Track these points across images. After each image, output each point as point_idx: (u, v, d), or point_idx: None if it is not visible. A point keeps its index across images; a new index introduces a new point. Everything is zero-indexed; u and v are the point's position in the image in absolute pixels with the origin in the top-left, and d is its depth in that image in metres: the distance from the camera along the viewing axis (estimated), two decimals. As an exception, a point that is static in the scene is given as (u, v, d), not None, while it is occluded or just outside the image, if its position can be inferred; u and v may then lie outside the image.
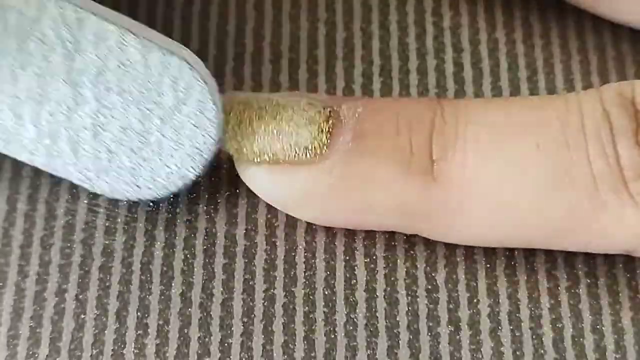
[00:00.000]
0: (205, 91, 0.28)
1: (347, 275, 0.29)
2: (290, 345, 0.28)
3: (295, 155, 0.28)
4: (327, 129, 0.28)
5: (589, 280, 0.29)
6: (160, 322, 0.28)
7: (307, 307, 0.29)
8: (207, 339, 0.28)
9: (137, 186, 0.28)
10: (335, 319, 0.29)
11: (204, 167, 0.28)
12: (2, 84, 0.28)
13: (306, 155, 0.28)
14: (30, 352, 0.28)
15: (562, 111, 0.27)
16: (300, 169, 0.28)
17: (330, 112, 0.28)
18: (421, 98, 0.30)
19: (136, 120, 0.28)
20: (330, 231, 0.30)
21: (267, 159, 0.28)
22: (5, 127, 0.28)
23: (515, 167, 0.27)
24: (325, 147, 0.28)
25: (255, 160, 0.28)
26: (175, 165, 0.28)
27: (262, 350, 0.28)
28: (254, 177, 0.29)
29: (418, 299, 0.29)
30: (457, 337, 0.28)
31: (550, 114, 0.27)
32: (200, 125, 0.28)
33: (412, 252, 0.29)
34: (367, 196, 0.28)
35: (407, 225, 0.29)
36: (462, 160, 0.27)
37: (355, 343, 0.28)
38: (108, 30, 0.28)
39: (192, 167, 0.28)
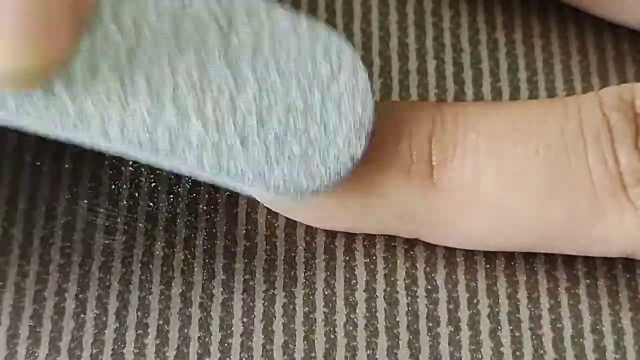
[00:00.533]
0: (356, 56, 0.27)
1: (347, 275, 0.29)
2: (290, 345, 0.28)
3: None
4: None
5: (588, 281, 0.29)
6: (161, 322, 0.28)
7: (307, 308, 0.29)
8: (207, 339, 0.28)
9: (310, 174, 0.27)
10: (335, 319, 0.29)
11: (368, 142, 0.27)
12: (162, 75, 0.26)
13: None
14: (30, 352, 0.28)
15: (561, 116, 0.27)
16: None
17: None
18: (421, 102, 0.30)
19: (298, 97, 0.27)
20: (330, 232, 0.30)
21: None
22: (169, 125, 0.26)
23: (515, 173, 0.27)
24: None
25: None
26: (342, 142, 0.27)
27: (262, 350, 0.28)
28: None
29: (418, 300, 0.29)
30: (457, 337, 0.28)
31: (550, 120, 0.27)
32: (356, 95, 0.27)
33: (412, 252, 0.29)
34: (367, 203, 0.28)
35: (407, 230, 0.29)
36: (461, 165, 0.27)
37: (355, 343, 0.28)
38: (257, 3, 0.27)
39: (358, 143, 0.27)
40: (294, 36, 0.27)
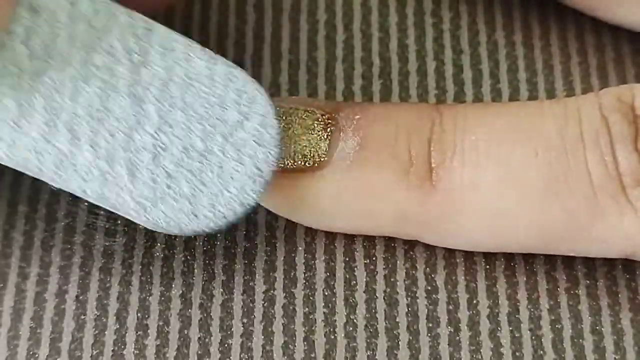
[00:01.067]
0: (269, 105, 0.27)
1: (347, 276, 0.29)
2: (290, 346, 0.28)
3: (293, 163, 0.28)
4: (325, 137, 0.28)
5: (588, 282, 0.29)
6: (161, 323, 0.29)
7: (307, 308, 0.29)
8: (207, 340, 0.28)
9: (195, 215, 0.27)
10: (335, 320, 0.29)
11: (263, 191, 0.27)
12: (63, 100, 0.26)
13: (305, 163, 0.28)
14: (31, 353, 0.28)
15: (560, 118, 0.27)
16: (299, 177, 0.28)
17: (328, 119, 0.28)
18: (420, 104, 0.30)
19: (198, 139, 0.27)
20: (330, 233, 0.30)
21: None
22: (59, 149, 0.26)
23: (514, 174, 0.27)
24: (324, 155, 0.28)
25: None
26: (235, 188, 0.27)
27: (262, 351, 0.28)
28: None
29: (418, 300, 0.29)
30: (457, 338, 0.28)
31: (549, 121, 0.27)
32: (262, 143, 0.27)
33: (411, 253, 0.29)
34: (366, 205, 0.28)
35: (407, 231, 0.29)
36: (460, 167, 0.27)
37: (355, 344, 0.28)
38: (175, 41, 0.27)
39: (252, 191, 0.27)
40: (208, 78, 0.27)
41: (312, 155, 0.28)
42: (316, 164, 0.28)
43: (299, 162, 0.28)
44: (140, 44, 0.27)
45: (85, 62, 0.26)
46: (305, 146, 0.28)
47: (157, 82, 0.27)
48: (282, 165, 0.28)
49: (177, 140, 0.27)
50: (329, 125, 0.28)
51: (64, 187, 0.26)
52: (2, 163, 0.26)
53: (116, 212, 0.27)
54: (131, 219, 0.27)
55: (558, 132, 0.27)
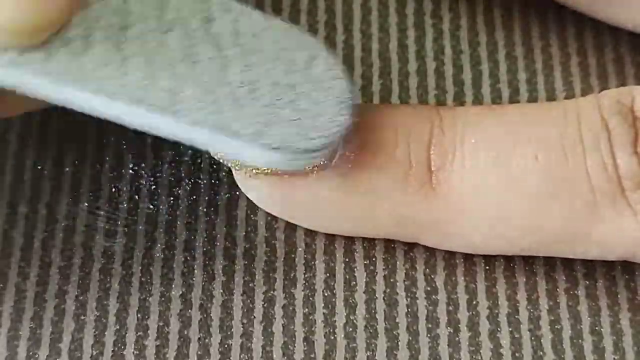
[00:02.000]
0: (332, 57, 0.28)
1: (347, 277, 0.29)
2: (290, 346, 0.28)
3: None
4: None
5: (587, 282, 0.29)
6: (161, 324, 0.29)
7: (306, 309, 0.29)
8: (207, 340, 0.28)
9: (304, 136, 0.27)
10: (335, 321, 0.29)
11: (350, 114, 0.28)
12: (155, 46, 0.27)
13: (304, 167, 0.28)
14: (31, 353, 0.28)
15: (560, 121, 0.27)
16: (299, 181, 0.28)
17: None
18: (420, 106, 0.30)
19: (281, 76, 0.27)
20: (330, 233, 0.30)
21: (266, 172, 0.28)
22: (166, 88, 0.27)
23: (514, 178, 0.27)
24: (323, 160, 0.28)
25: (254, 172, 0.28)
26: (330, 110, 0.27)
27: (262, 352, 0.28)
28: (253, 190, 0.29)
29: (417, 301, 0.29)
30: (457, 338, 0.28)
31: (549, 124, 0.27)
32: (335, 77, 0.28)
33: (411, 254, 0.30)
34: (366, 208, 0.28)
35: (407, 234, 0.29)
36: (460, 171, 0.27)
37: (354, 344, 0.28)
38: (232, 3, 0.28)
39: (341, 114, 0.27)
40: (269, 30, 0.28)
41: None
42: (315, 168, 0.28)
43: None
44: (201, 7, 0.28)
45: (160, 17, 0.27)
46: None
47: (227, 33, 0.27)
48: (282, 169, 0.28)
49: (262, 76, 0.27)
50: None
51: (178, 127, 0.27)
52: (114, 105, 0.26)
53: (227, 150, 0.27)
54: (247, 153, 0.27)
55: (558, 135, 0.27)
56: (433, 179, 0.28)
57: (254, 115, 0.27)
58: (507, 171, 0.27)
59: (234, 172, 0.29)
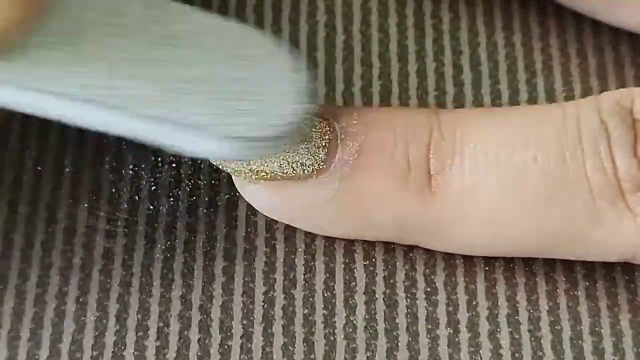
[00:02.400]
0: (285, 51, 0.28)
1: (347, 277, 0.29)
2: (289, 347, 0.28)
3: (292, 172, 0.28)
4: (323, 145, 0.28)
5: (587, 283, 0.29)
6: (161, 325, 0.29)
7: (306, 310, 0.29)
8: (207, 341, 0.28)
9: (258, 125, 0.27)
10: (335, 321, 0.29)
11: (306, 102, 0.28)
12: (116, 47, 0.27)
13: (303, 171, 0.28)
14: (31, 354, 0.28)
15: (559, 123, 0.27)
16: (298, 185, 0.28)
17: (326, 127, 0.28)
18: (419, 109, 0.30)
19: (231, 70, 0.28)
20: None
21: (265, 177, 0.28)
22: (126, 86, 0.27)
23: (513, 180, 0.27)
24: (322, 163, 0.28)
25: (253, 177, 0.28)
26: (280, 103, 0.28)
27: (262, 352, 0.28)
28: (253, 194, 0.29)
29: (417, 302, 0.29)
30: (456, 339, 0.28)
31: (548, 127, 0.27)
32: (287, 69, 0.28)
33: (411, 254, 0.30)
34: (365, 212, 0.28)
35: (406, 238, 0.29)
36: (459, 173, 0.27)
37: (354, 345, 0.28)
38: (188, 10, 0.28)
39: (295, 103, 0.27)
40: (223, 29, 0.28)
41: (310, 163, 0.28)
42: (314, 172, 0.28)
43: (298, 170, 0.28)
44: (155, 11, 0.28)
45: (114, 24, 0.28)
46: (304, 155, 0.28)
47: (182, 34, 0.28)
48: (281, 173, 0.28)
49: (218, 72, 0.28)
50: (326, 133, 0.28)
51: (139, 127, 0.27)
52: (74, 107, 0.27)
53: (191, 145, 0.27)
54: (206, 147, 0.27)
55: (557, 138, 0.27)
56: (432, 182, 0.28)
57: (210, 108, 0.27)
58: (506, 174, 0.27)
59: (233, 177, 0.29)
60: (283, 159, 0.28)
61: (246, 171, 0.28)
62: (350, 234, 0.29)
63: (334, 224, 0.29)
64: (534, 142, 0.27)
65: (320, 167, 0.28)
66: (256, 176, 0.28)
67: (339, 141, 0.28)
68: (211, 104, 0.27)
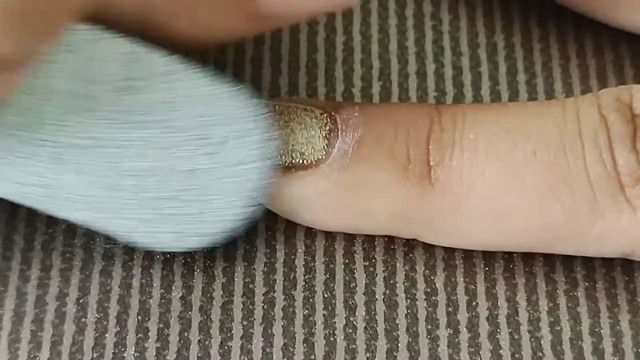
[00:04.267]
0: (259, 131, 0.27)
1: (347, 278, 0.29)
2: (289, 348, 0.28)
3: (292, 161, 0.28)
4: (324, 136, 0.28)
5: (587, 284, 0.29)
6: (161, 326, 0.29)
7: (306, 310, 0.29)
8: (207, 342, 0.28)
9: (198, 234, 0.28)
10: (335, 322, 0.29)
11: (258, 205, 0.28)
12: (45, 132, 0.27)
13: (303, 161, 0.28)
14: (32, 356, 0.28)
15: (559, 118, 0.27)
16: (298, 176, 0.28)
17: (327, 118, 0.28)
18: (419, 104, 0.31)
19: (186, 158, 0.27)
20: (329, 234, 0.30)
21: None
22: (45, 179, 0.27)
23: (513, 174, 0.27)
24: (322, 154, 0.28)
25: None
26: (231, 202, 0.27)
27: (262, 353, 0.28)
28: None
29: (417, 302, 0.29)
30: (456, 339, 0.28)
31: (548, 121, 0.27)
32: (251, 159, 0.27)
33: (411, 255, 0.30)
34: (365, 203, 0.28)
35: (406, 230, 0.29)
36: (459, 166, 0.27)
37: (354, 346, 0.28)
38: (156, 65, 0.27)
39: (241, 210, 0.27)
40: (192, 97, 0.27)
41: (310, 153, 0.28)
42: (314, 162, 0.28)
43: (297, 159, 0.28)
44: (123, 72, 0.27)
45: (71, 94, 0.27)
46: (303, 144, 0.28)
47: (144, 105, 0.27)
48: (280, 162, 0.28)
49: (162, 164, 0.27)
50: (327, 124, 0.28)
51: (57, 215, 0.27)
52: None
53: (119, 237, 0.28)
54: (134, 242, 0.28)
55: (557, 132, 0.27)
56: (432, 174, 0.28)
57: (146, 208, 0.27)
58: (506, 167, 0.27)
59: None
60: (284, 149, 0.28)
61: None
62: (349, 226, 0.29)
63: (333, 215, 0.29)
64: (534, 135, 0.27)
65: (320, 157, 0.28)
66: None
67: (339, 132, 0.28)
68: (144, 203, 0.27)
